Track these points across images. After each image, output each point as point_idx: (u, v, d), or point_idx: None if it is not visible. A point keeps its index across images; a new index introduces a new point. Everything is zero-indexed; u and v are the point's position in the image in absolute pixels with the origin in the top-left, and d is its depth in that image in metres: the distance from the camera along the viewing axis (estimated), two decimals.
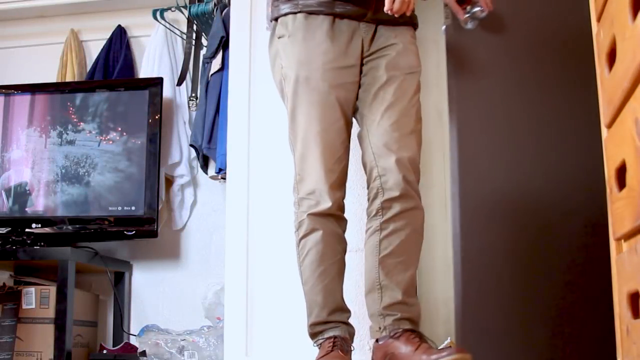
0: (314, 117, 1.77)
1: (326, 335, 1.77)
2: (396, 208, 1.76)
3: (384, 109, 1.80)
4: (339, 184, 1.80)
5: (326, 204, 1.76)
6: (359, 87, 1.85)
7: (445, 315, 2.33)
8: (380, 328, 1.75)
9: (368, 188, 1.83)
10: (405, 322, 1.74)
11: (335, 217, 1.80)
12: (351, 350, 1.77)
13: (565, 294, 2.02)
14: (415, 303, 1.78)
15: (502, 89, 2.13)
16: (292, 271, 1.91)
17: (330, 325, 1.78)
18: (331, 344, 1.73)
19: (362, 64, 1.84)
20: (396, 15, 1.71)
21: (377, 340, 1.78)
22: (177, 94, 2.98)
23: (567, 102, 2.09)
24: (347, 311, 1.83)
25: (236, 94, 2.38)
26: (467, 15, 2.02)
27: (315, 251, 1.78)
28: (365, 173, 1.84)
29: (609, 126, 1.32)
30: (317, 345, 1.79)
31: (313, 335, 1.81)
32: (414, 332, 1.72)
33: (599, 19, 1.39)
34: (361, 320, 2.02)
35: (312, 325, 1.80)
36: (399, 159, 1.76)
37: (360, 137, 1.85)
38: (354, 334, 1.82)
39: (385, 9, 1.69)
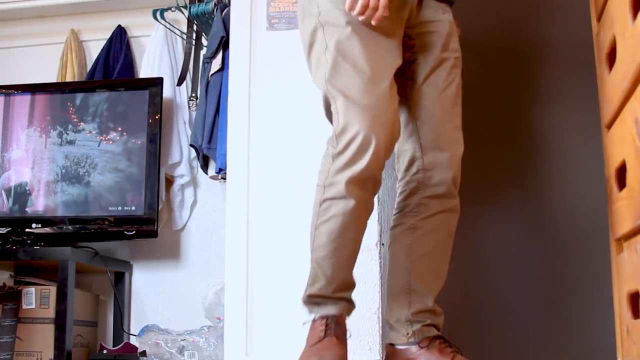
0: (369, 62, 1.53)
1: (322, 311, 1.57)
2: (437, 207, 1.64)
3: (437, 96, 1.64)
4: (391, 141, 1.55)
5: (368, 162, 1.49)
6: (403, 60, 1.62)
7: None
8: (408, 334, 1.63)
9: (402, 180, 1.68)
10: (433, 329, 1.63)
11: (373, 181, 1.56)
12: (346, 337, 1.58)
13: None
14: (440, 311, 1.66)
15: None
16: (293, 271, 1.91)
17: (331, 302, 1.58)
18: (324, 326, 1.54)
19: (405, 35, 1.64)
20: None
21: (392, 344, 1.67)
22: (177, 94, 2.98)
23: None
24: (353, 285, 1.63)
25: (236, 94, 2.37)
26: None
27: (340, 221, 1.55)
28: (398, 161, 1.70)
29: (609, 126, 1.32)
30: (309, 320, 1.59)
31: (309, 305, 1.60)
32: (444, 340, 1.61)
33: (599, 19, 1.39)
34: (361, 320, 2.02)
35: (310, 296, 1.59)
36: (452, 156, 1.63)
37: (402, 120, 1.65)
38: (353, 310, 1.64)
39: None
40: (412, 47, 1.66)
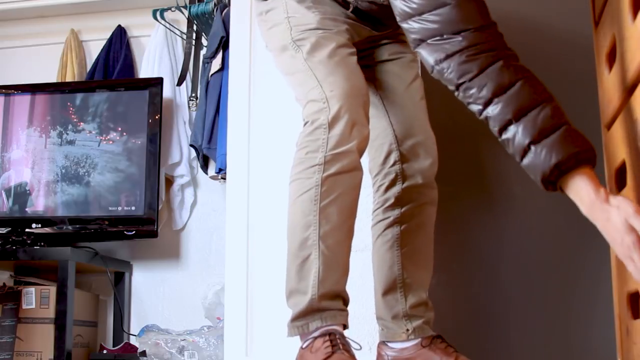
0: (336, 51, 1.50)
1: (325, 322, 1.38)
2: (417, 198, 1.64)
3: (404, 88, 1.68)
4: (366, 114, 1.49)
5: (367, 130, 1.45)
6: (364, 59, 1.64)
7: None
8: (408, 330, 1.60)
9: (379, 174, 1.67)
10: (427, 327, 1.62)
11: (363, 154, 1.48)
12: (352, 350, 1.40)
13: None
14: (432, 306, 1.66)
15: None
16: None
17: (336, 306, 1.41)
18: (329, 342, 1.34)
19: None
20: None
21: (386, 343, 1.64)
22: (177, 94, 2.98)
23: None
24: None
25: (236, 94, 2.37)
26: None
27: (351, 197, 1.43)
28: (374, 157, 1.69)
29: (609, 126, 1.32)
30: (307, 338, 1.38)
31: (307, 314, 1.38)
32: (443, 339, 1.59)
33: (599, 19, 1.39)
34: (361, 320, 2.02)
35: (321, 297, 1.38)
36: (427, 144, 1.65)
37: (374, 115, 1.65)
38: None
39: None
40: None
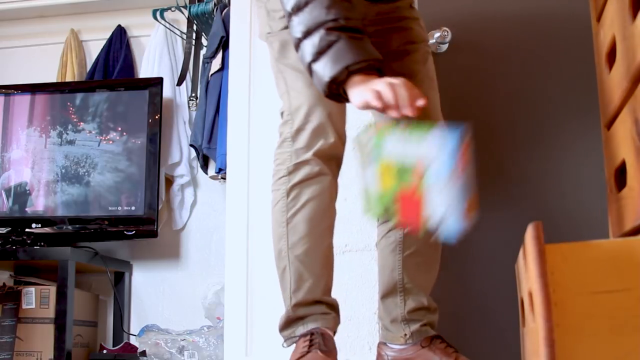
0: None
1: (307, 326, 1.46)
2: None
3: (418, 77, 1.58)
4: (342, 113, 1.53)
5: (333, 138, 1.48)
6: None
7: None
8: (406, 335, 1.58)
9: None
10: (429, 328, 1.59)
11: (338, 159, 1.52)
12: (336, 354, 1.47)
13: None
14: (435, 307, 1.62)
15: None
16: None
17: (318, 311, 1.47)
18: (307, 342, 1.41)
19: None
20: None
21: (385, 343, 1.63)
22: (177, 94, 2.98)
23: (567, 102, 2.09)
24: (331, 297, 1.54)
25: (236, 94, 2.37)
26: None
27: (317, 203, 1.47)
28: None
29: (609, 126, 1.32)
30: (289, 342, 1.49)
31: (289, 324, 1.48)
32: (442, 339, 1.56)
33: (599, 19, 1.39)
34: (361, 320, 2.02)
35: (296, 306, 1.46)
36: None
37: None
38: (339, 324, 1.56)
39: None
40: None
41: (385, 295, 1.63)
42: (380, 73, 1.35)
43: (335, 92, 1.35)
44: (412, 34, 1.64)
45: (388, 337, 1.64)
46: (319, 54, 1.33)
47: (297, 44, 1.38)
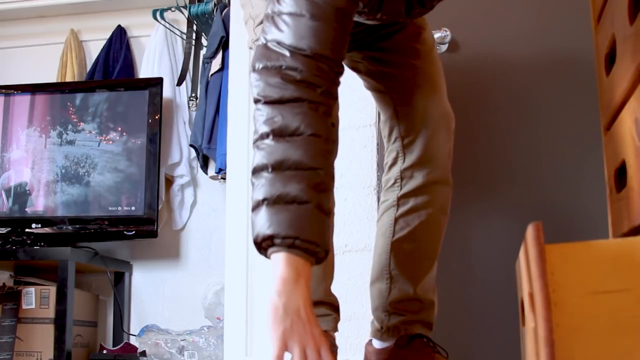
0: None
1: None
2: (419, 179, 1.45)
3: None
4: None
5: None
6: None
7: None
8: (382, 328, 1.48)
9: (385, 150, 1.53)
10: (417, 325, 1.47)
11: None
12: (335, 349, 1.40)
13: None
14: (430, 302, 1.49)
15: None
16: None
17: (319, 313, 1.36)
18: None
19: None
20: None
21: (370, 341, 1.53)
22: (177, 94, 2.99)
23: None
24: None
25: (236, 94, 2.38)
26: None
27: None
28: (383, 131, 1.54)
29: (609, 126, 1.32)
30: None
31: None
32: (424, 338, 1.45)
33: (598, 19, 1.39)
34: (361, 320, 2.02)
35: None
36: (429, 117, 1.46)
37: (377, 90, 1.52)
38: (338, 321, 1.47)
39: None
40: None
41: (373, 281, 1.54)
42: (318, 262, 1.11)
43: (263, 248, 1.09)
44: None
45: (370, 330, 1.54)
46: (274, 202, 1.07)
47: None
